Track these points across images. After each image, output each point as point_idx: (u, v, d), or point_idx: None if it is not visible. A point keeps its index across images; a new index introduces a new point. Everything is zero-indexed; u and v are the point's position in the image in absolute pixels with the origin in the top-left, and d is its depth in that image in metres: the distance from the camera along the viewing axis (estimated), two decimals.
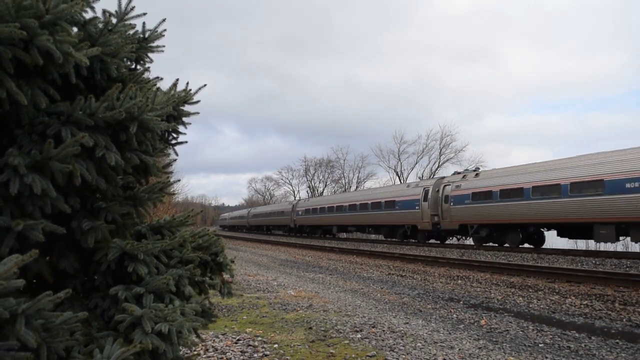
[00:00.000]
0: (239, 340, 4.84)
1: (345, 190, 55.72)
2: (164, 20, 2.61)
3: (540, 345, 5.07)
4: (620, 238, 15.31)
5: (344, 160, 56.77)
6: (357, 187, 53.08)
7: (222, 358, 4.20)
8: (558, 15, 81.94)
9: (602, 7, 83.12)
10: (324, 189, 60.52)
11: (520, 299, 8.26)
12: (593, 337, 5.46)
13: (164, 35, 2.62)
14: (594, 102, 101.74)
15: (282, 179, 65.86)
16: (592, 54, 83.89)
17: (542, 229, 18.81)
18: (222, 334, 5.07)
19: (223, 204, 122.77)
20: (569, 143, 78.17)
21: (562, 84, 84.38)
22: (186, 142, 2.76)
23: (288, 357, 4.24)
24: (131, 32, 2.39)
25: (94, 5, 2.19)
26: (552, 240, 19.43)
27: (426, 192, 24.08)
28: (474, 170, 23.08)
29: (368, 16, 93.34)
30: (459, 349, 4.69)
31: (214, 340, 4.79)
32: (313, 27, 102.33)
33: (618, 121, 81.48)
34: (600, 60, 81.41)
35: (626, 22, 76.53)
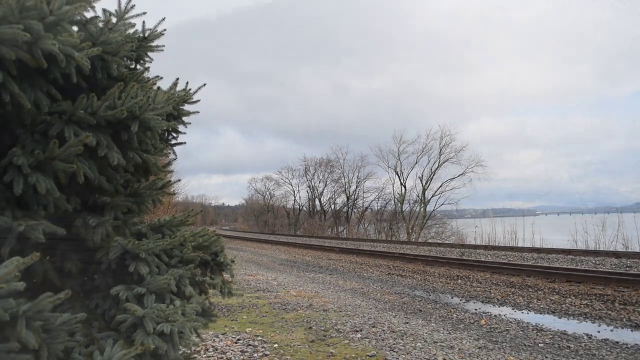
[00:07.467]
0: (239, 340, 4.83)
1: (345, 190, 55.60)
2: (163, 19, 2.60)
3: (540, 344, 5.07)
4: None
5: (344, 160, 56.48)
6: (357, 186, 52.84)
7: (222, 358, 4.19)
8: (527, 30, 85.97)
9: (565, 27, 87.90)
10: (324, 189, 60.45)
11: (520, 298, 8.26)
12: (593, 337, 5.46)
13: (163, 34, 2.61)
14: (571, 107, 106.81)
15: (282, 179, 65.61)
16: (559, 67, 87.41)
17: None
18: (222, 334, 5.06)
19: (223, 203, 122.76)
20: (558, 144, 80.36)
21: (538, 93, 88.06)
22: (185, 142, 2.74)
23: (288, 357, 4.24)
24: (131, 30, 2.38)
25: (94, 4, 2.18)
26: (553, 239, 19.45)
27: None
28: None
29: (360, 27, 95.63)
30: (459, 349, 4.68)
31: (214, 340, 4.79)
32: (308, 39, 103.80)
33: (594, 123, 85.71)
34: (565, 72, 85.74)
35: (587, 40, 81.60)
